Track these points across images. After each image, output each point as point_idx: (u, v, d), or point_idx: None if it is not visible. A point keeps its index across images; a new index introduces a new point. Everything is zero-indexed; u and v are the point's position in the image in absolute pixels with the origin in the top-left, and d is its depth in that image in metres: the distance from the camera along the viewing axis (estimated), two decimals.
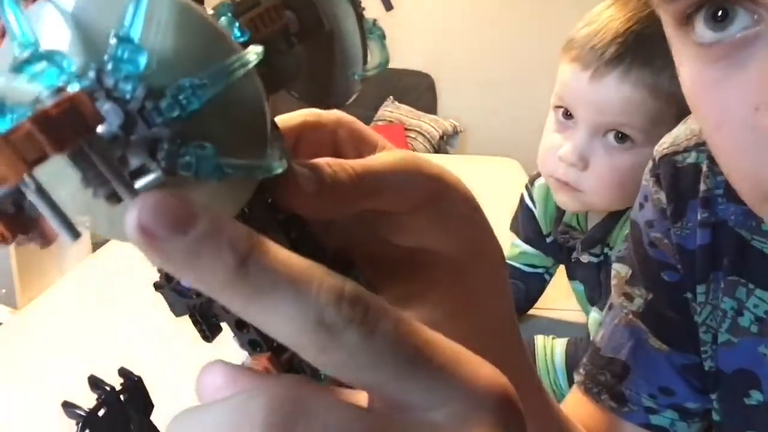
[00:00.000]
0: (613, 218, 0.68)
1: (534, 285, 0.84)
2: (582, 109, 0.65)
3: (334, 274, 0.17)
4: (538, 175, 0.79)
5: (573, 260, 0.75)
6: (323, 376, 0.23)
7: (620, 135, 0.64)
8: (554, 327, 0.84)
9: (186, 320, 0.27)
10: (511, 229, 0.84)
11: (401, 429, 0.17)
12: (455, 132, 3.32)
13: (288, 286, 0.16)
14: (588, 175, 0.66)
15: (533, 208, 0.80)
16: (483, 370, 0.18)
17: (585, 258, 0.72)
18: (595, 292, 0.72)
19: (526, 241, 0.82)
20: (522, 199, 0.82)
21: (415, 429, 0.17)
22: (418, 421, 0.17)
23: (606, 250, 0.70)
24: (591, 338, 0.70)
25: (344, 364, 0.16)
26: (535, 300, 0.86)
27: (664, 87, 0.62)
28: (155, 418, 0.64)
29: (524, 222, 0.81)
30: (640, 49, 0.61)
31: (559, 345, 0.72)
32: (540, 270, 0.83)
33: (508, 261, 0.84)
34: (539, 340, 0.74)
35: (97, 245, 1.11)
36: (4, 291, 2.47)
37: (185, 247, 0.15)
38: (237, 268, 0.15)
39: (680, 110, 0.63)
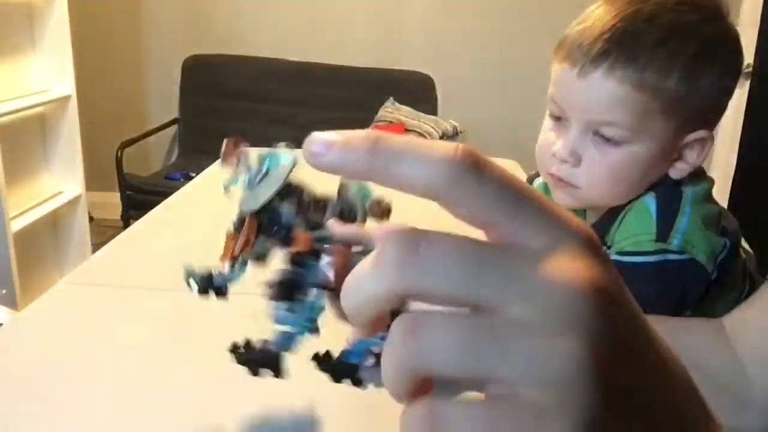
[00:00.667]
0: (612, 214, 0.68)
1: None
2: (572, 107, 0.66)
3: (446, 141, 0.25)
4: (536, 175, 0.79)
5: None
6: None
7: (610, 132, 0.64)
8: None
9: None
10: None
11: (511, 255, 0.22)
12: (455, 133, 3.32)
13: (412, 151, 0.23)
14: (581, 171, 0.67)
15: None
16: (573, 217, 0.24)
17: None
18: None
19: None
20: None
21: (520, 255, 0.22)
22: (522, 250, 0.22)
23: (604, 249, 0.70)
24: None
25: (465, 205, 0.23)
26: None
27: (649, 82, 0.62)
28: (151, 412, 0.63)
29: None
30: (624, 45, 0.62)
31: None
32: None
33: None
34: None
35: (97, 246, 1.12)
36: (4, 292, 2.47)
37: (337, 152, 0.24)
38: (371, 151, 0.23)
39: (665, 105, 0.63)
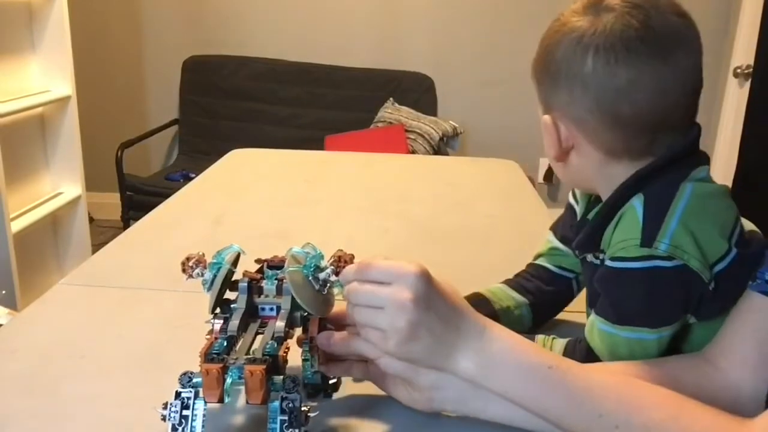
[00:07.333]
0: (605, 219, 0.67)
1: (561, 288, 0.82)
2: None
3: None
4: None
5: (581, 258, 0.74)
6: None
7: None
8: (555, 327, 0.84)
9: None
10: (550, 228, 0.83)
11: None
12: (455, 133, 3.32)
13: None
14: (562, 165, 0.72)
15: (575, 205, 0.79)
16: (405, 265, 0.57)
17: (590, 257, 0.71)
18: (591, 295, 0.71)
19: (561, 240, 0.81)
20: (569, 198, 0.81)
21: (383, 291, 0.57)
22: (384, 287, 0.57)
23: (602, 255, 0.69)
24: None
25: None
26: (562, 308, 0.84)
27: (552, 102, 0.67)
28: (151, 411, 0.63)
29: (565, 219, 0.80)
30: (539, 69, 0.68)
31: (559, 345, 0.72)
32: (569, 275, 0.82)
33: (537, 261, 0.84)
34: (539, 339, 0.73)
35: (97, 247, 1.12)
36: (4, 292, 2.46)
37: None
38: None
39: (565, 115, 0.66)
